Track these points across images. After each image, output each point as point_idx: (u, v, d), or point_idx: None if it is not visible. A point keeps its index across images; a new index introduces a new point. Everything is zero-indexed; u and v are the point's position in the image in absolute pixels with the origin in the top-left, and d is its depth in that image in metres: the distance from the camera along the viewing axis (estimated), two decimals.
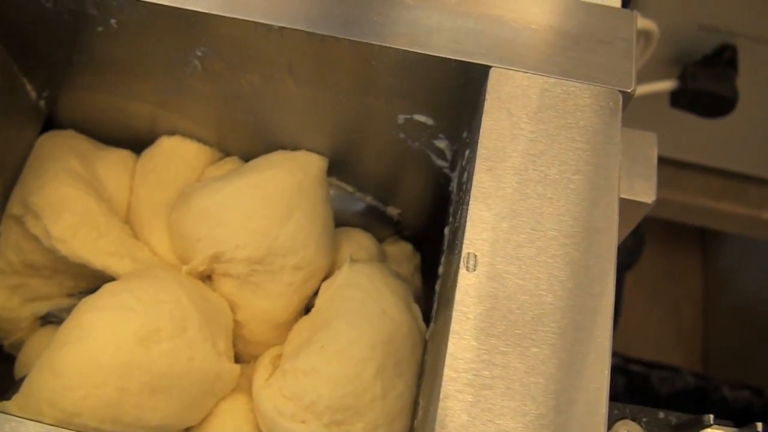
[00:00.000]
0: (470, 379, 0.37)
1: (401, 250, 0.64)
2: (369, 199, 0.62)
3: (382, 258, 0.62)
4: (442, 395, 0.37)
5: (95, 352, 0.47)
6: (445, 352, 0.38)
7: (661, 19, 0.86)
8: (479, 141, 0.43)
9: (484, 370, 0.38)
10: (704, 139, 1.04)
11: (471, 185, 0.42)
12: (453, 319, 0.39)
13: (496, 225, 0.41)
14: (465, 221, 0.41)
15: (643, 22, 0.80)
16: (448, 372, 0.37)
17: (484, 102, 0.44)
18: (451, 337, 0.38)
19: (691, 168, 1.11)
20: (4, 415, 0.37)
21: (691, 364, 1.45)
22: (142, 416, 0.48)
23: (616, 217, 0.42)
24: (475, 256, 0.40)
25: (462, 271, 0.40)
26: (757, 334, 1.33)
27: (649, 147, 0.56)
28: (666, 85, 0.90)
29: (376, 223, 0.63)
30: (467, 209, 0.42)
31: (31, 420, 0.38)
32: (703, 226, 1.17)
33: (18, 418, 0.37)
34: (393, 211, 0.63)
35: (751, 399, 1.20)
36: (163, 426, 0.49)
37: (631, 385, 1.18)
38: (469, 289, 0.39)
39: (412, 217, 0.63)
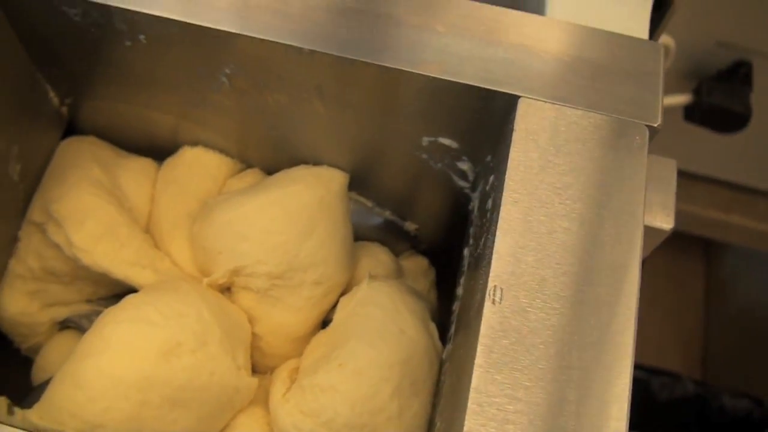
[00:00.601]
0: (494, 413, 0.38)
1: (417, 265, 0.65)
2: (387, 214, 0.62)
3: (399, 273, 0.62)
4: (465, 429, 0.37)
5: (117, 365, 0.48)
6: (469, 385, 0.38)
7: (679, 34, 0.86)
8: (507, 172, 0.43)
9: (507, 404, 0.38)
10: (716, 152, 1.05)
11: (498, 216, 0.43)
12: (478, 353, 0.39)
13: (522, 258, 0.41)
14: (491, 252, 0.42)
15: (660, 37, 0.80)
16: (472, 406, 0.38)
17: (512, 132, 0.44)
18: (475, 370, 0.39)
19: (701, 180, 1.11)
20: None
21: (690, 370, 1.46)
22: (163, 429, 0.48)
23: (639, 254, 0.43)
24: (501, 289, 0.40)
25: (487, 303, 0.40)
26: (758, 342, 1.33)
27: (669, 173, 0.56)
28: (681, 99, 0.91)
29: (393, 237, 0.63)
30: (493, 240, 0.42)
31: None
32: (711, 238, 1.18)
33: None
34: (410, 226, 0.63)
35: (750, 408, 1.21)
36: None
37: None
38: (493, 322, 0.40)
39: (429, 232, 0.64)
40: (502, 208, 0.43)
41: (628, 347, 0.40)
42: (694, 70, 0.92)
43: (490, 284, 0.41)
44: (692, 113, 0.92)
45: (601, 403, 0.39)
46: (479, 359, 0.39)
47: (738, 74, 0.91)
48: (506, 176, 0.43)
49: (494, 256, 0.41)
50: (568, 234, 0.42)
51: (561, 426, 0.38)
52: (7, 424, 0.38)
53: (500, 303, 0.40)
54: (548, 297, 0.41)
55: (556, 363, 0.39)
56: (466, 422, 0.38)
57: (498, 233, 0.42)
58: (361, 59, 0.46)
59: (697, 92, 0.91)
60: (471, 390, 0.38)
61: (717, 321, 1.46)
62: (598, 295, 0.41)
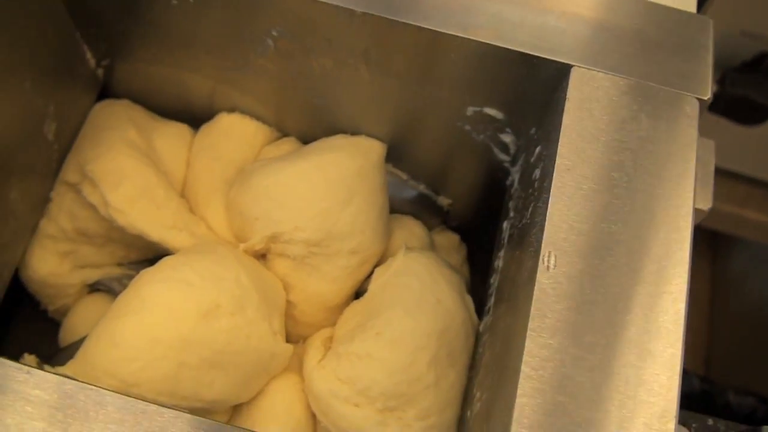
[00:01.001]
0: (546, 377, 0.38)
1: (449, 241, 0.65)
2: (422, 188, 0.62)
3: (432, 247, 0.62)
4: (519, 392, 0.37)
5: (155, 325, 0.47)
6: (522, 349, 0.38)
7: None
8: (560, 140, 0.43)
9: (559, 368, 0.38)
10: (734, 145, 1.04)
11: (549, 183, 0.42)
12: (531, 316, 0.39)
13: (575, 225, 0.41)
14: (543, 219, 0.41)
15: None
16: (525, 369, 0.38)
17: (564, 101, 0.44)
18: (529, 334, 0.38)
19: (717, 173, 1.11)
20: (80, 383, 0.37)
21: (694, 366, 1.46)
22: (199, 390, 0.48)
23: (690, 225, 0.42)
24: (555, 255, 0.40)
25: (540, 268, 0.40)
26: (763, 340, 1.33)
27: (707, 154, 0.56)
28: None
29: (426, 211, 0.63)
30: (545, 207, 0.42)
31: (105, 389, 0.38)
32: (724, 232, 1.18)
33: (93, 387, 0.37)
34: (444, 201, 0.63)
35: (756, 406, 1.21)
36: (217, 401, 0.49)
37: None
38: (546, 287, 0.40)
39: (461, 208, 0.64)
40: (554, 175, 0.42)
41: (679, 317, 0.40)
42: (719, 61, 0.92)
43: (544, 250, 0.40)
44: (715, 104, 0.92)
45: (653, 371, 0.38)
46: (533, 323, 0.39)
47: (762, 66, 0.91)
48: (559, 144, 0.43)
49: (547, 223, 0.41)
50: (622, 203, 0.42)
51: (614, 393, 0.38)
52: (54, 373, 0.38)
53: (554, 269, 0.40)
54: (601, 264, 0.40)
55: (609, 330, 0.39)
56: (519, 386, 0.37)
57: (551, 200, 0.42)
58: (413, 23, 0.46)
59: (720, 83, 0.91)
60: (524, 353, 0.38)
61: (722, 320, 1.46)
62: (650, 263, 0.41)
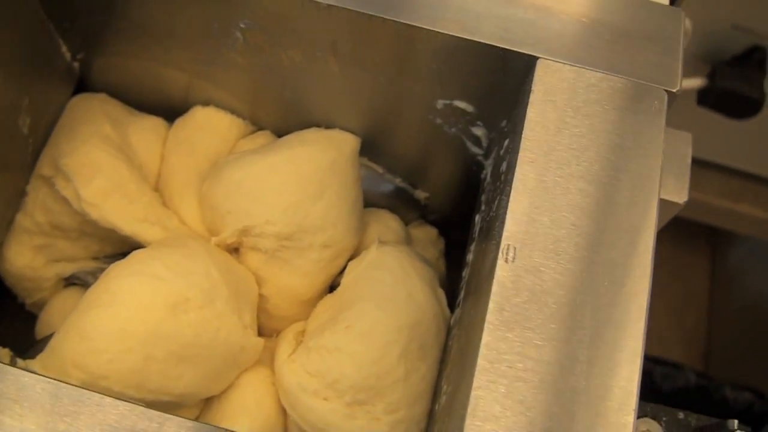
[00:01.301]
0: (504, 370, 0.38)
1: (427, 234, 0.64)
2: (398, 181, 0.62)
3: (408, 241, 0.62)
4: (474, 384, 0.37)
5: (123, 317, 0.47)
6: (479, 341, 0.38)
7: (695, 16, 0.85)
8: (523, 132, 0.43)
9: (518, 362, 0.38)
10: (728, 139, 1.04)
11: (512, 176, 0.42)
12: (489, 310, 0.39)
13: (536, 218, 0.41)
14: (505, 212, 0.41)
15: None
16: (481, 362, 0.38)
17: (529, 93, 0.44)
18: (486, 326, 0.38)
19: (711, 168, 1.10)
20: (35, 375, 0.38)
21: (692, 362, 1.46)
22: (167, 384, 0.48)
23: (655, 218, 0.42)
24: (515, 248, 0.40)
25: (500, 261, 0.40)
26: (761, 336, 1.33)
27: (683, 146, 0.56)
28: (694, 82, 0.90)
29: (403, 205, 0.63)
30: (508, 200, 0.41)
31: (61, 381, 0.38)
32: (719, 227, 1.17)
33: (49, 379, 0.38)
34: (421, 194, 0.63)
35: (752, 401, 1.21)
36: (186, 395, 0.49)
37: None
38: (506, 280, 0.39)
39: (439, 201, 0.63)
40: (517, 168, 0.42)
41: (641, 310, 0.39)
42: (709, 54, 0.92)
43: (504, 243, 0.40)
44: (705, 98, 0.91)
45: (612, 364, 0.38)
46: (490, 316, 0.39)
47: (752, 59, 0.90)
48: (522, 136, 0.43)
49: (508, 215, 0.41)
50: (584, 195, 0.42)
51: (571, 385, 0.38)
52: (18, 367, 0.38)
53: (513, 262, 0.40)
54: (562, 257, 0.40)
55: (568, 323, 0.39)
56: (475, 377, 0.37)
57: (513, 193, 0.41)
58: (379, 15, 0.46)
59: (710, 76, 0.91)
60: (481, 347, 0.38)
61: (720, 315, 1.45)
62: (612, 256, 0.40)
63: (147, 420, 0.36)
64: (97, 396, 0.37)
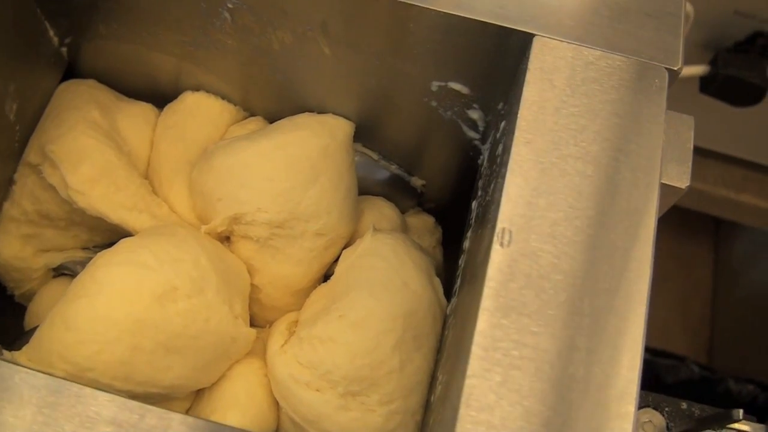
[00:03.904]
0: (499, 358, 0.36)
1: (423, 223, 0.63)
2: (394, 168, 0.60)
3: (405, 229, 0.60)
4: (468, 373, 0.36)
5: (110, 307, 0.46)
6: (474, 329, 0.37)
7: (696, 2, 0.84)
8: (519, 112, 0.41)
9: (513, 349, 0.36)
10: (730, 128, 1.02)
11: (508, 157, 0.41)
12: (483, 296, 0.37)
13: (533, 201, 0.39)
14: (500, 195, 0.40)
15: None
16: (476, 350, 0.36)
17: (525, 71, 0.42)
18: (480, 313, 0.37)
19: (713, 157, 1.09)
20: (14, 366, 0.36)
21: (695, 353, 1.44)
22: (155, 375, 0.47)
23: (656, 200, 0.41)
24: (510, 231, 0.39)
25: (495, 246, 0.38)
26: (765, 327, 1.31)
27: (685, 130, 0.54)
28: (697, 69, 0.88)
29: (399, 193, 0.62)
30: (503, 182, 0.40)
31: (41, 372, 0.37)
32: (721, 217, 1.15)
33: (28, 370, 0.36)
34: (417, 182, 0.61)
35: (755, 393, 1.19)
36: (175, 386, 0.48)
37: None
38: (501, 265, 0.38)
39: (436, 189, 0.62)
40: (513, 149, 0.41)
41: (642, 295, 0.38)
42: (712, 41, 0.90)
43: (499, 226, 0.39)
44: (708, 85, 0.89)
45: (613, 351, 0.37)
46: (485, 302, 0.37)
47: (756, 45, 0.89)
48: (518, 116, 0.41)
49: (503, 198, 0.39)
50: (583, 177, 0.40)
51: (570, 374, 0.36)
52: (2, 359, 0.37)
53: (509, 246, 0.38)
54: (560, 241, 0.39)
55: (566, 309, 0.37)
56: (469, 366, 0.36)
57: (508, 175, 0.40)
58: None
59: (713, 63, 0.89)
60: (476, 334, 0.36)
61: (724, 306, 1.44)
62: (612, 240, 0.39)
63: (128, 411, 0.35)
64: (76, 387, 0.36)
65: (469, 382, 0.35)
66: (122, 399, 0.35)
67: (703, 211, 1.14)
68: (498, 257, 0.38)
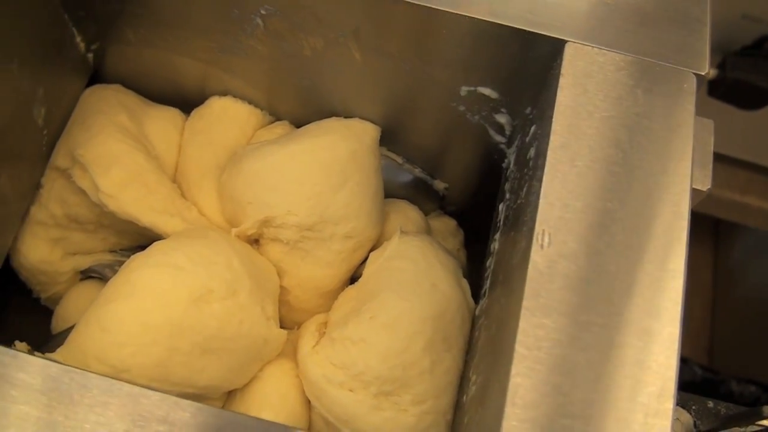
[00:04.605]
0: (541, 357, 0.37)
1: (446, 226, 0.64)
2: (417, 171, 0.61)
3: (428, 232, 0.61)
4: (513, 372, 0.36)
5: (146, 309, 0.47)
6: (516, 328, 0.37)
7: None
8: (554, 117, 0.42)
9: (555, 348, 0.37)
10: (735, 131, 1.03)
11: (543, 161, 0.41)
12: (525, 296, 0.38)
13: (570, 203, 0.40)
14: (537, 198, 0.41)
15: None
16: (519, 349, 0.37)
17: (558, 77, 0.43)
18: (522, 313, 0.38)
19: (719, 159, 1.10)
20: (65, 367, 0.37)
21: (697, 354, 1.45)
22: (191, 376, 0.47)
23: (688, 203, 0.42)
24: (549, 234, 0.39)
25: (534, 247, 0.39)
26: (765, 328, 1.32)
27: (706, 134, 0.55)
28: None
29: (422, 196, 0.62)
30: (540, 185, 0.41)
31: (91, 372, 0.37)
32: (726, 219, 1.17)
33: (78, 370, 0.37)
34: (440, 184, 0.62)
35: (758, 394, 1.20)
36: (209, 387, 0.49)
37: None
38: (541, 266, 0.39)
39: (457, 191, 0.63)
40: (548, 152, 0.41)
41: (677, 294, 0.39)
42: (719, 44, 0.91)
43: (538, 228, 0.40)
44: (716, 88, 0.91)
45: (649, 350, 0.38)
46: (527, 302, 0.38)
47: (763, 49, 0.90)
48: (553, 120, 0.42)
49: (541, 201, 0.40)
50: (617, 180, 0.41)
51: (609, 372, 0.37)
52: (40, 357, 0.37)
53: (548, 247, 0.39)
54: (597, 242, 0.39)
55: (604, 309, 0.38)
56: (513, 366, 0.36)
57: (545, 178, 0.41)
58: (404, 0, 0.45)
59: (721, 67, 0.90)
60: (518, 333, 0.37)
61: (724, 308, 1.45)
62: (647, 241, 0.40)
63: (180, 410, 0.36)
64: (127, 386, 0.36)
65: (513, 381, 0.36)
66: (174, 398, 0.36)
67: (708, 213, 1.15)
68: (538, 258, 0.39)
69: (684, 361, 1.23)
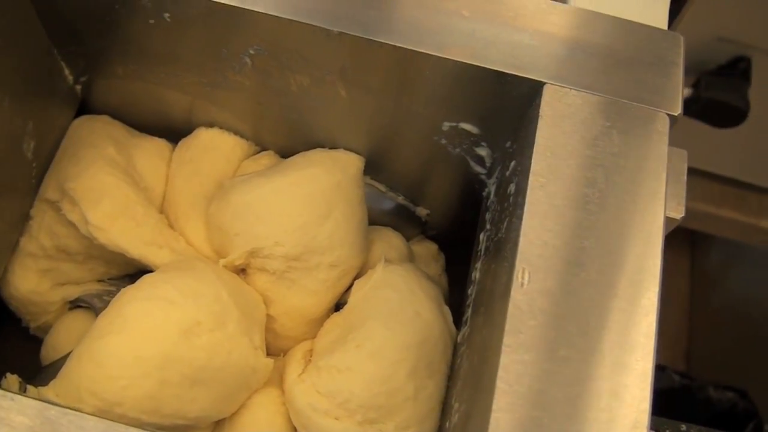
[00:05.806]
0: (521, 392, 0.39)
1: (428, 251, 0.65)
2: (400, 199, 0.62)
3: (411, 258, 0.62)
4: (494, 407, 0.38)
5: (138, 343, 0.48)
6: (497, 364, 0.39)
7: (681, 29, 0.87)
8: (533, 157, 0.44)
9: (533, 383, 0.39)
10: (709, 146, 1.06)
11: (523, 200, 0.43)
12: (505, 332, 0.40)
13: (548, 241, 0.42)
14: (517, 235, 0.42)
15: None
16: (500, 384, 0.39)
17: (537, 118, 0.45)
18: (503, 349, 0.39)
19: (694, 174, 1.12)
20: (63, 409, 0.38)
21: (674, 361, 1.48)
22: (182, 408, 0.49)
23: (661, 239, 0.43)
24: (529, 272, 0.41)
25: (515, 285, 0.41)
26: (742, 336, 1.35)
27: (679, 163, 0.57)
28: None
29: (404, 222, 0.64)
30: (519, 223, 0.43)
31: (83, 412, 0.38)
32: (701, 231, 1.19)
33: (77, 412, 0.38)
34: (422, 211, 0.64)
35: (735, 400, 1.23)
36: (200, 417, 0.50)
37: None
38: (521, 303, 0.40)
39: (439, 217, 0.64)
40: (528, 192, 0.43)
41: (651, 327, 0.41)
42: (695, 65, 0.93)
43: (518, 266, 0.41)
44: (691, 107, 0.93)
45: (623, 387, 0.39)
46: (507, 339, 0.40)
47: (737, 69, 0.92)
48: (532, 161, 0.44)
49: (521, 239, 0.42)
50: (593, 218, 0.43)
51: (590, 407, 0.39)
52: (30, 397, 0.38)
53: (527, 285, 0.41)
54: (574, 279, 0.41)
55: (581, 347, 0.40)
56: (494, 401, 0.38)
57: (525, 216, 0.42)
58: (389, 42, 0.46)
59: (695, 86, 0.92)
60: (499, 369, 0.39)
61: (701, 316, 1.48)
62: (622, 278, 0.42)
63: None
64: (123, 428, 0.37)
65: (495, 416, 0.38)
66: None
67: (685, 226, 1.17)
68: (518, 296, 0.41)
69: (662, 369, 1.26)
